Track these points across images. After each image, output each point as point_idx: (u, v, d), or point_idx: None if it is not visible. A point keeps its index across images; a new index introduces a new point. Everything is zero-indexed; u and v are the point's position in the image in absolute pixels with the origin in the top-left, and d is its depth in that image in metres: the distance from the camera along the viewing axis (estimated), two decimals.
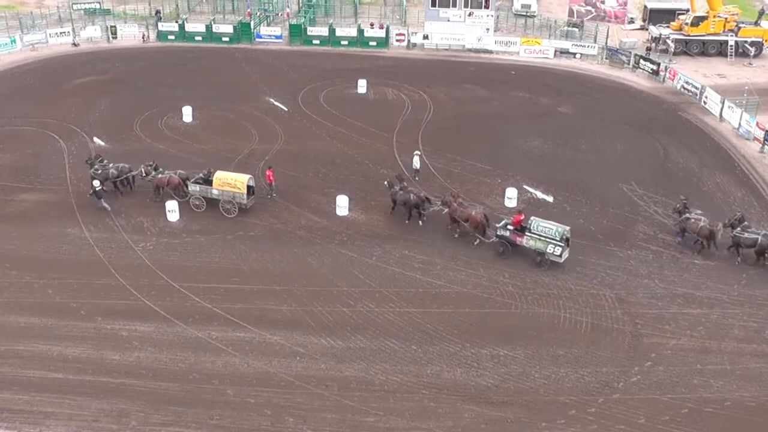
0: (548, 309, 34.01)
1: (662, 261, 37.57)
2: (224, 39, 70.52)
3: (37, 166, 45.71)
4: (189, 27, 71.01)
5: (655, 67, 62.27)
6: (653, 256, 37.92)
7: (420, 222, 40.23)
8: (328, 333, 32.38)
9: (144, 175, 42.23)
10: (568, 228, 37.03)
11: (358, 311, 33.69)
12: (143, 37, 70.78)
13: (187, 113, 53.08)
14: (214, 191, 41.07)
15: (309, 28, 70.78)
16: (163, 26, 71.29)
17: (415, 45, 69.75)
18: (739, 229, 37.49)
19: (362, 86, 58.74)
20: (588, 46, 67.07)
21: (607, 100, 58.57)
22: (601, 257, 37.72)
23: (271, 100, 57.11)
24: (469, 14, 68.19)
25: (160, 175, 41.85)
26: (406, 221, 40.25)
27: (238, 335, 32.19)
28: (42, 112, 53.84)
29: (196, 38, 70.64)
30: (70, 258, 37.45)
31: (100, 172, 42.23)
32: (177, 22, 71.90)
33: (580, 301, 34.47)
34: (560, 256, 36.57)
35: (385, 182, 41.82)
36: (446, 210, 39.35)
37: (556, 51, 67.26)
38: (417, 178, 44.43)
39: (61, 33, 69.90)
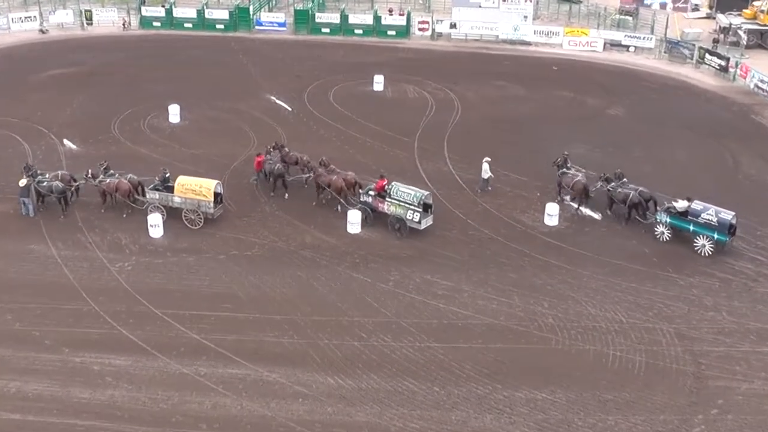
0: (595, 345, 33.85)
1: (731, 290, 37.37)
2: (218, 26, 70.97)
3: None
4: (177, 12, 71.50)
5: (723, 63, 62.15)
6: (720, 285, 37.74)
7: (285, 195, 44.00)
8: (336, 370, 32.32)
9: (89, 176, 42.42)
10: (427, 193, 41.23)
11: (372, 345, 33.65)
12: (124, 24, 71.27)
13: (174, 113, 53.37)
14: (176, 199, 41.52)
15: (317, 15, 71.18)
16: (147, 11, 71.81)
17: (440, 35, 69.92)
18: (614, 184, 42.27)
19: (379, 82, 58.93)
20: (644, 38, 67.03)
21: (666, 100, 58.51)
22: (658, 285, 37.58)
23: (273, 98, 57.38)
24: None
25: (108, 180, 42.18)
26: (271, 193, 44.21)
27: (230, 372, 32.16)
28: (3, 110, 54.24)
29: (186, 25, 71.15)
30: (33, 279, 37.58)
31: (45, 184, 42.24)
32: (163, 6, 72.35)
33: (632, 337, 34.30)
34: (419, 222, 40.51)
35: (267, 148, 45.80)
36: (312, 176, 43.54)
37: (605, 43, 67.25)
38: (489, 188, 45.03)
39: (26, 18, 70.52)
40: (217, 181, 42.10)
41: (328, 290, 37.07)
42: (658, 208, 41.57)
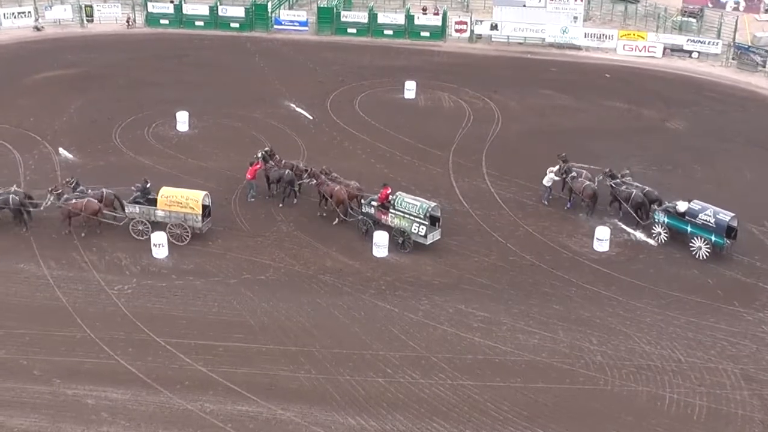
0: (649, 387, 33.70)
1: None
2: (233, 25, 71.47)
3: None
4: (187, 9, 72.03)
5: None
6: None
7: (292, 200, 45.25)
8: (357, 410, 32.33)
9: (54, 193, 42.24)
10: (434, 204, 42.11)
11: (398, 382, 33.66)
12: (128, 21, 71.87)
13: (183, 120, 53.79)
14: (159, 213, 41.92)
15: (343, 13, 71.64)
16: (154, 7, 72.37)
17: (480, 37, 70.09)
18: (618, 181, 44.50)
19: (410, 89, 59.16)
20: (709, 43, 66.86)
21: (733, 113, 58.39)
22: (722, 320, 37.40)
23: (292, 105, 57.72)
24: None
25: (74, 200, 42.10)
26: (281, 204, 45.10)
27: (239, 409, 32.24)
28: None
29: (197, 24, 71.68)
30: (21, 301, 37.91)
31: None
32: (172, 2, 72.87)
33: (692, 378, 34.12)
34: (425, 237, 41.24)
35: (259, 153, 46.40)
36: (314, 183, 44.37)
37: (665, 48, 67.15)
38: (545, 202, 45.91)
39: (19, 13, 71.20)
40: (205, 192, 42.46)
41: (350, 320, 37.15)
42: (655, 207, 43.25)
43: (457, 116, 56.57)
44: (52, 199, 42.33)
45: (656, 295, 38.85)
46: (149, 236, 41.42)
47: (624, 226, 43.71)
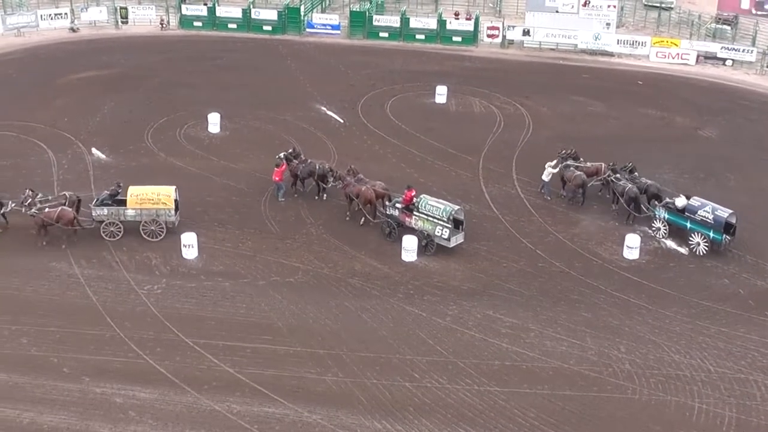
0: (677, 396, 33.50)
1: None
2: (266, 28, 71.61)
3: (16, 182, 46.31)
4: (220, 11, 72.30)
5: None
6: None
7: (322, 197, 45.90)
8: (384, 414, 32.32)
9: (26, 204, 41.64)
10: (457, 208, 42.22)
11: (425, 387, 33.61)
12: (162, 23, 72.20)
13: (214, 122, 53.97)
14: (129, 212, 42.02)
15: (375, 17, 71.49)
16: (188, 10, 72.67)
17: (512, 42, 69.94)
18: (617, 175, 45.38)
19: (441, 94, 59.08)
20: (743, 50, 66.41)
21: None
22: (753, 330, 37.13)
23: (323, 108, 57.75)
24: (585, 4, 68.19)
25: (47, 209, 41.71)
26: (316, 197, 46.01)
27: (266, 410, 32.30)
28: (27, 114, 55.18)
29: (230, 26, 71.90)
30: (52, 299, 38.14)
31: None
32: (205, 4, 73.18)
33: (722, 388, 33.89)
34: (448, 239, 41.35)
35: (282, 155, 46.62)
36: (340, 185, 44.61)
37: (699, 55, 66.77)
38: (546, 195, 46.52)
39: (56, 15, 71.56)
40: (174, 187, 42.70)
41: (377, 324, 37.14)
42: (656, 203, 44.18)
43: (488, 122, 56.46)
44: (12, 205, 41.96)
45: (686, 304, 38.63)
46: (120, 236, 41.80)
47: (653, 234, 43.44)
